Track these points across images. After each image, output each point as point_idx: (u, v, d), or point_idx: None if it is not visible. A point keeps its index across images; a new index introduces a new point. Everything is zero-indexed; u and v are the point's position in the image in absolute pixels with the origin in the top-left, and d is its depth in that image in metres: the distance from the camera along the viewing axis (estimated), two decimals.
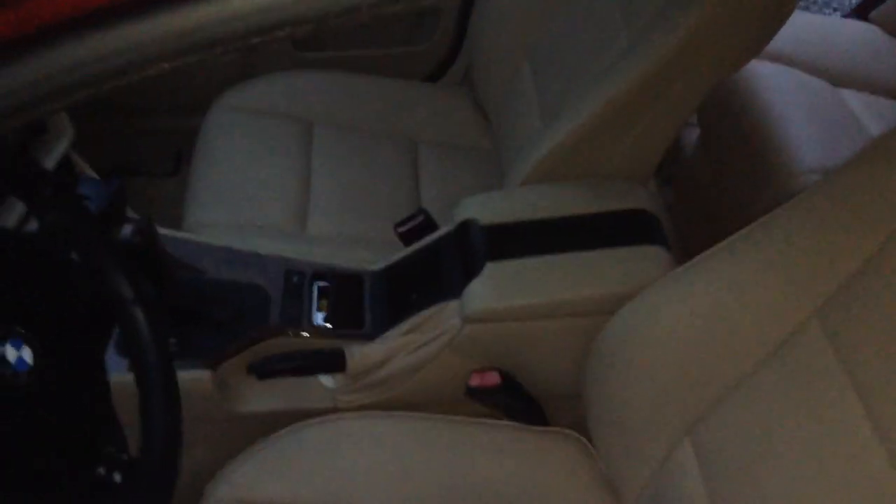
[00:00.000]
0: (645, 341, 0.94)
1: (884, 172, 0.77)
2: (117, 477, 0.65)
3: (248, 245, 1.18)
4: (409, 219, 1.20)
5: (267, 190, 1.36)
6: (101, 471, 0.64)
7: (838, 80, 1.59)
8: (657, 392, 0.91)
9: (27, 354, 0.65)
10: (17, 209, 0.82)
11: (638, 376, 0.94)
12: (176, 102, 1.64)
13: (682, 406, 0.89)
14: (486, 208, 1.14)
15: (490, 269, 1.05)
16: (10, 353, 0.63)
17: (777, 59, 1.56)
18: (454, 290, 1.07)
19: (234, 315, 1.08)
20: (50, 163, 1.01)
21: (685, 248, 1.70)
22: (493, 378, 1.03)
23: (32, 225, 0.75)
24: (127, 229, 0.97)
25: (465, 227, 1.12)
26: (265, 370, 1.06)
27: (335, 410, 1.08)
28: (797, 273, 0.81)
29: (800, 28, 1.64)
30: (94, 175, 1.14)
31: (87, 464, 0.64)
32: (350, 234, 1.33)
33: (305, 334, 1.09)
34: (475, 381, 1.03)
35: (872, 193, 0.78)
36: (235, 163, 1.40)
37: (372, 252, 1.24)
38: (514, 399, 1.07)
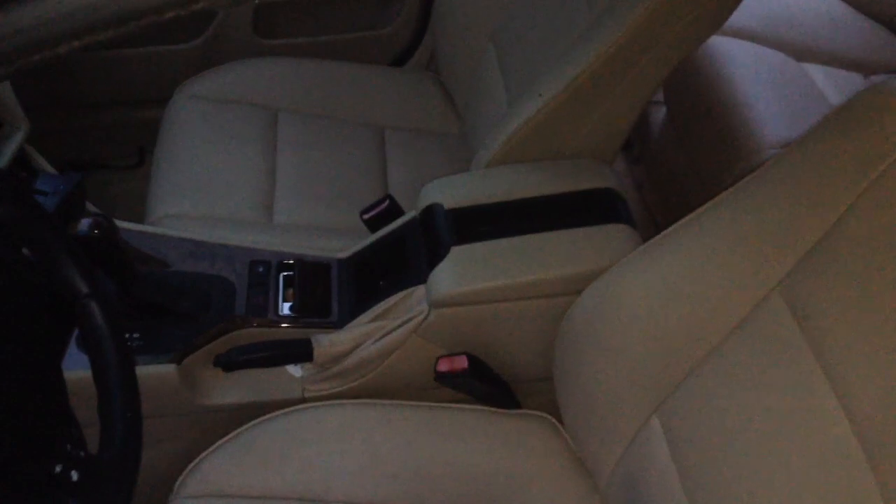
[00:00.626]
0: (611, 319, 0.94)
1: (840, 144, 0.77)
2: (74, 475, 0.64)
3: (214, 236, 1.17)
4: (374, 205, 1.19)
5: (232, 180, 1.35)
6: (58, 469, 0.63)
7: (802, 54, 1.59)
8: (624, 370, 0.92)
9: None
10: None
11: (605, 355, 0.94)
12: (137, 94, 1.62)
13: (649, 383, 0.90)
14: (450, 192, 1.13)
15: (455, 252, 1.05)
16: None
17: (740, 34, 1.56)
18: (420, 275, 1.06)
19: (200, 307, 1.07)
20: (5, 156, 0.99)
21: (656, 225, 1.71)
22: (461, 362, 1.02)
23: None
24: (85, 223, 0.95)
25: (430, 211, 1.11)
26: (231, 362, 1.05)
27: (304, 400, 1.08)
28: (759, 246, 0.81)
29: (762, 3, 1.64)
30: (51, 170, 1.12)
31: (42, 461, 0.63)
32: (317, 223, 1.32)
33: (271, 325, 1.08)
34: (443, 367, 1.03)
35: (830, 165, 0.77)
36: (198, 153, 1.38)
37: (340, 240, 1.23)
38: (484, 383, 1.06)
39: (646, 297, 0.90)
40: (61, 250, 0.70)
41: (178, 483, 0.97)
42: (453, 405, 1.06)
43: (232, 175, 1.36)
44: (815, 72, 1.57)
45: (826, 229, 0.76)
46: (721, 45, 1.53)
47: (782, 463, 0.73)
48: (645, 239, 1.07)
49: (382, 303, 1.07)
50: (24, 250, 0.72)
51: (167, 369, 1.02)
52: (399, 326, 1.05)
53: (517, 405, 1.11)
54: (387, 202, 1.19)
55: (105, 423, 0.69)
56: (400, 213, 1.18)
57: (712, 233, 0.86)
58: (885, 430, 0.66)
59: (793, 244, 0.79)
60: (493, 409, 1.06)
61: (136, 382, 0.73)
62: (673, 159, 1.65)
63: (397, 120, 1.52)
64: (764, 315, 0.80)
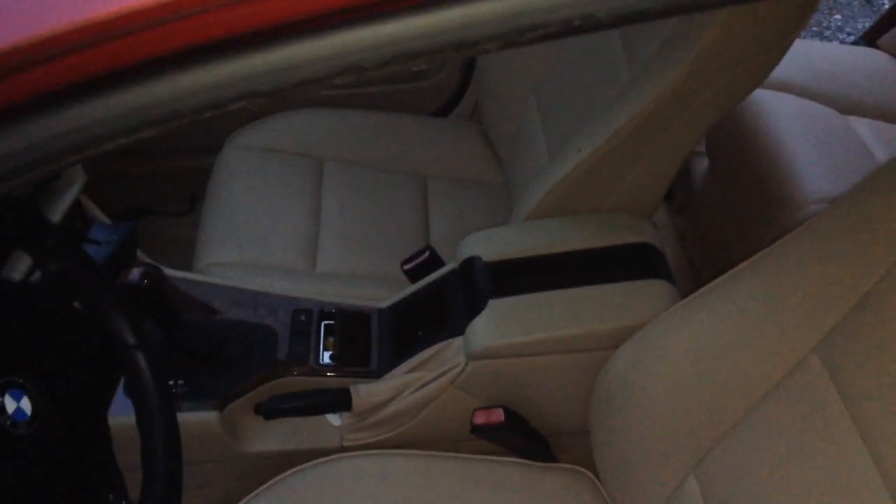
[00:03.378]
0: (647, 376, 0.93)
1: (884, 204, 0.77)
2: None
3: (258, 284, 1.19)
4: (415, 255, 1.21)
5: (277, 228, 1.37)
6: None
7: (846, 107, 1.58)
8: (661, 428, 0.91)
9: (26, 405, 0.66)
10: (24, 261, 0.83)
11: (641, 411, 0.93)
12: (189, 143, 1.66)
13: (686, 442, 0.89)
14: (489, 244, 1.14)
15: (493, 305, 1.06)
16: (9, 404, 0.65)
17: (783, 88, 1.55)
18: (458, 327, 1.07)
19: (243, 355, 1.09)
20: (60, 209, 1.03)
21: (698, 277, 1.70)
22: (497, 415, 1.03)
23: (38, 276, 0.77)
24: (135, 273, 0.98)
25: (469, 263, 1.13)
26: (272, 410, 1.07)
27: (342, 449, 1.09)
28: (798, 306, 0.80)
29: (806, 56, 1.64)
30: (105, 219, 1.16)
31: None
32: (359, 271, 1.34)
33: (312, 373, 1.10)
34: (480, 419, 1.03)
35: (872, 225, 0.77)
36: (246, 202, 1.41)
37: (381, 289, 1.25)
38: (520, 436, 1.06)
39: (683, 355, 0.90)
40: (110, 302, 0.73)
41: None
42: (490, 457, 1.06)
43: (278, 223, 1.38)
44: (860, 125, 1.55)
45: (867, 290, 0.75)
46: (763, 97, 1.52)
47: None
48: (687, 290, 1.06)
49: (420, 354, 1.08)
50: (76, 303, 0.75)
51: (210, 416, 1.04)
52: (436, 378, 1.06)
53: (553, 459, 1.10)
54: (427, 253, 1.20)
55: (147, 471, 0.71)
56: (440, 263, 1.20)
57: (751, 291, 0.86)
58: None
59: (832, 305, 0.77)
60: (529, 462, 1.06)
61: (178, 432, 0.75)
62: (715, 211, 1.64)
63: (440, 169, 1.54)
64: (801, 376, 0.79)
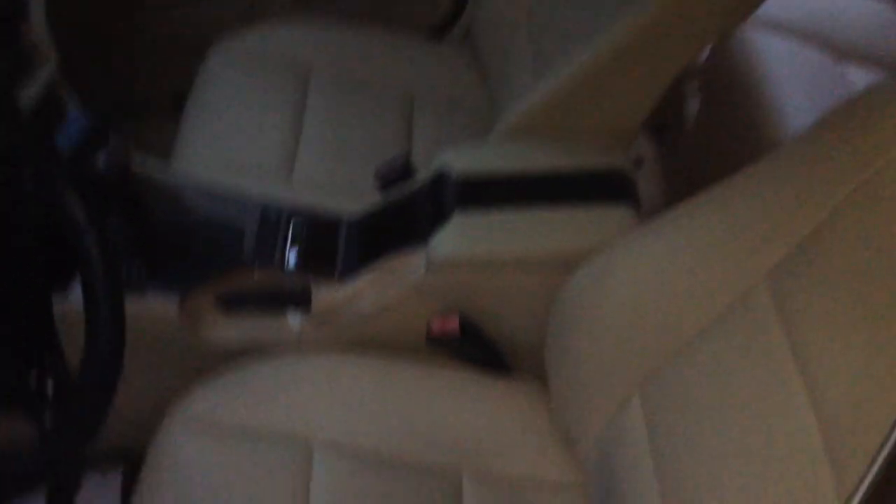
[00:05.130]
0: (602, 297, 0.95)
1: (838, 140, 0.77)
2: (49, 387, 0.66)
3: (232, 185, 1.19)
4: (389, 161, 1.20)
5: (257, 136, 1.37)
6: (32, 379, 0.66)
7: (842, 54, 1.56)
8: (611, 347, 0.93)
9: None
10: None
11: (593, 331, 0.95)
12: (179, 43, 1.64)
13: (633, 363, 0.91)
14: (462, 158, 1.14)
15: (458, 218, 1.06)
16: None
17: (779, 27, 1.53)
18: (423, 237, 1.08)
19: (209, 251, 1.10)
20: (33, 91, 1.03)
21: None
22: (453, 322, 1.04)
23: None
24: (102, 159, 0.98)
25: (440, 175, 1.13)
26: (231, 303, 1.08)
27: (299, 349, 1.10)
28: (750, 237, 0.81)
29: None
30: (79, 106, 1.16)
31: (21, 369, 0.66)
32: (335, 182, 1.34)
33: (275, 273, 1.11)
34: (436, 325, 1.04)
35: (826, 161, 0.77)
36: (230, 106, 1.41)
37: (355, 201, 1.24)
38: (475, 348, 1.08)
39: (637, 277, 0.91)
40: (59, 179, 0.72)
41: (169, 409, 1.00)
42: (443, 366, 1.08)
43: (258, 130, 1.38)
44: (855, 74, 1.53)
45: (817, 224, 0.76)
46: (758, 41, 1.50)
47: (748, 455, 0.74)
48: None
49: (383, 260, 1.09)
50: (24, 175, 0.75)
51: (170, 302, 1.05)
52: (396, 284, 1.06)
53: (507, 371, 1.12)
54: (402, 158, 1.19)
55: (88, 341, 0.72)
56: (413, 172, 1.19)
57: (708, 217, 0.87)
58: (848, 429, 0.66)
59: (783, 237, 0.78)
60: (482, 373, 1.08)
61: (122, 309, 0.75)
62: (702, 151, 1.63)
63: (428, 91, 1.53)
64: (747, 305, 0.80)
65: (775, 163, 0.84)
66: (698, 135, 1.67)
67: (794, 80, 1.46)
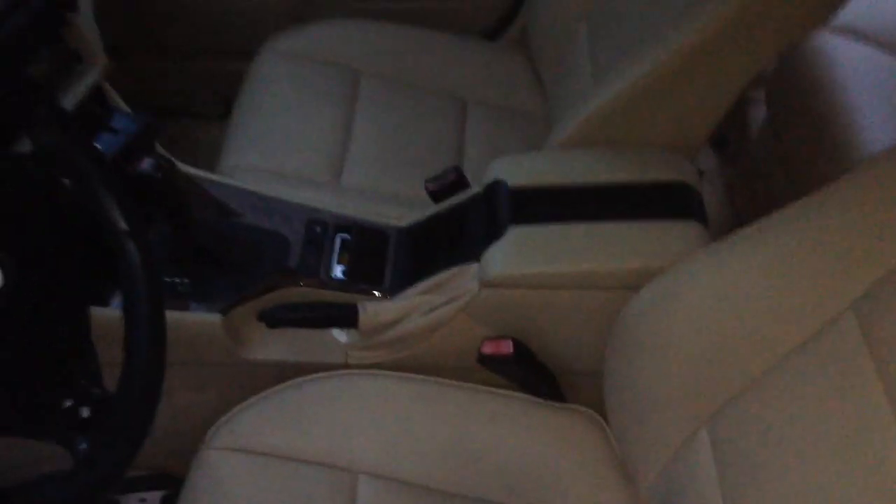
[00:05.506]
0: (669, 320, 0.89)
1: None
2: (85, 412, 0.63)
3: (277, 191, 1.16)
4: (440, 175, 1.16)
5: (306, 138, 1.34)
6: (68, 403, 0.63)
7: None
8: (677, 375, 0.87)
9: None
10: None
11: (658, 357, 0.89)
12: (227, 45, 1.63)
13: (701, 392, 0.85)
14: (516, 169, 1.09)
15: (513, 232, 1.01)
16: None
17: (851, 33, 1.46)
18: (476, 252, 1.03)
19: (252, 260, 1.07)
20: (78, 92, 1.01)
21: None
22: (506, 346, 0.99)
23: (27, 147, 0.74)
24: (147, 163, 0.96)
25: (493, 187, 1.08)
26: (276, 318, 1.04)
27: (346, 366, 1.06)
28: (838, 258, 0.76)
29: (879, 1, 1.53)
30: (126, 109, 1.13)
31: (53, 394, 0.63)
32: (384, 189, 1.30)
33: (321, 286, 1.07)
34: (488, 349, 1.00)
35: None
36: (278, 109, 1.39)
37: (404, 209, 1.21)
38: (528, 370, 1.03)
39: (708, 301, 0.85)
40: (101, 184, 0.69)
41: (208, 434, 0.97)
42: (495, 389, 1.03)
43: (307, 133, 1.35)
44: None
45: None
46: (829, 43, 1.43)
47: (833, 493, 0.68)
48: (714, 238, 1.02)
49: (434, 277, 1.05)
50: (66, 181, 0.72)
51: (212, 318, 1.02)
52: (447, 303, 1.02)
53: (560, 397, 1.07)
54: (454, 174, 1.15)
55: (128, 362, 0.68)
56: (465, 186, 1.15)
57: (788, 239, 0.81)
58: None
59: (875, 258, 0.73)
60: (534, 398, 1.03)
61: (164, 324, 0.72)
62: (768, 163, 1.56)
63: (482, 94, 1.49)
64: (834, 334, 0.74)
65: (861, 180, 0.78)
66: (763, 148, 1.61)
67: (871, 89, 1.39)
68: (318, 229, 1.12)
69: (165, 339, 0.71)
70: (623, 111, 1.09)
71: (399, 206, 1.25)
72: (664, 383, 0.88)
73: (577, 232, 1.02)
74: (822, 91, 1.41)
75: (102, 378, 0.69)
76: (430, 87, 1.47)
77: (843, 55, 1.43)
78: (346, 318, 1.04)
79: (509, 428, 1.00)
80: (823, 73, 1.42)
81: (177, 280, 1.02)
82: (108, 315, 0.77)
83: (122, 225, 0.72)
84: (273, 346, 1.07)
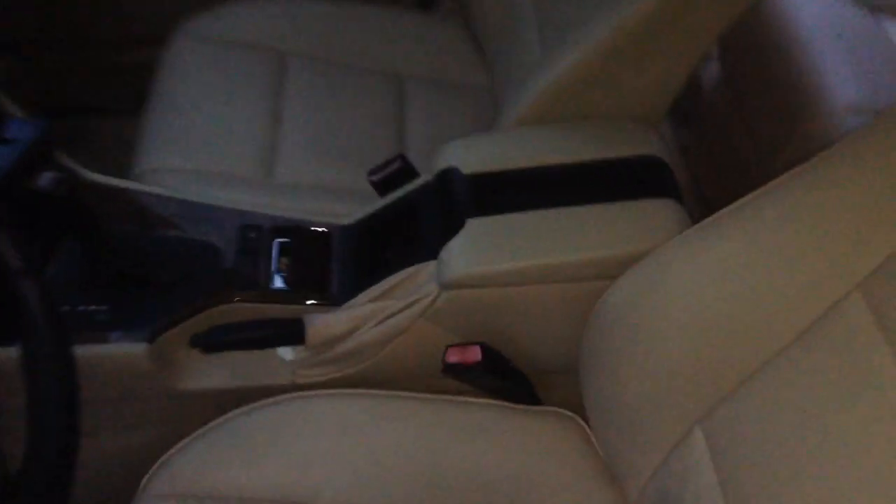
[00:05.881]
0: (653, 311, 0.83)
1: None
2: None
3: (203, 195, 1.08)
4: (384, 165, 1.08)
5: (230, 132, 1.25)
6: None
7: (878, 6, 1.43)
8: (665, 371, 0.81)
9: None
10: None
11: (643, 351, 0.83)
12: (134, 32, 1.53)
13: (694, 388, 0.79)
14: (470, 154, 1.01)
15: (472, 226, 0.94)
16: None
17: None
18: (431, 250, 0.95)
19: (179, 277, 0.97)
20: None
21: (703, 198, 1.59)
22: (474, 353, 0.91)
23: None
24: (45, 178, 0.84)
25: (446, 175, 1.00)
26: (211, 343, 0.95)
27: (295, 387, 0.97)
28: (843, 234, 0.71)
29: None
30: (19, 114, 1.01)
31: None
32: (323, 183, 1.21)
33: (260, 300, 0.98)
34: (454, 357, 0.91)
35: None
36: (196, 101, 1.28)
37: (347, 204, 1.14)
38: (500, 376, 0.95)
39: (697, 288, 0.80)
40: None
41: (144, 480, 0.88)
42: (464, 399, 0.95)
43: (232, 126, 1.26)
44: (892, 27, 1.42)
45: None
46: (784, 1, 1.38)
47: (851, 483, 0.63)
48: (690, 210, 0.98)
49: (386, 280, 0.96)
50: None
51: (137, 348, 0.92)
52: (404, 309, 0.94)
53: (537, 401, 1.00)
54: (398, 162, 1.07)
55: (31, 436, 0.58)
56: (413, 175, 1.07)
57: (786, 214, 0.75)
58: None
59: (882, 236, 0.68)
60: (508, 404, 0.96)
61: (73, 379, 0.61)
62: (726, 122, 1.52)
63: (419, 69, 1.41)
64: (840, 318, 0.69)
65: (865, 148, 0.73)
66: (718, 105, 1.56)
67: (829, 36, 1.35)
68: (253, 235, 1.03)
69: (77, 397, 0.61)
70: (579, 84, 1.03)
71: (341, 201, 1.17)
72: (650, 379, 0.82)
73: (543, 220, 0.95)
74: (780, 44, 1.36)
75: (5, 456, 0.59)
76: (364, 66, 1.39)
77: (797, 3, 1.38)
78: (291, 334, 0.96)
79: (484, 441, 0.93)
80: (778, 24, 1.37)
81: (93, 308, 0.92)
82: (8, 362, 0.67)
83: (14, 261, 0.61)
84: (211, 373, 0.98)
